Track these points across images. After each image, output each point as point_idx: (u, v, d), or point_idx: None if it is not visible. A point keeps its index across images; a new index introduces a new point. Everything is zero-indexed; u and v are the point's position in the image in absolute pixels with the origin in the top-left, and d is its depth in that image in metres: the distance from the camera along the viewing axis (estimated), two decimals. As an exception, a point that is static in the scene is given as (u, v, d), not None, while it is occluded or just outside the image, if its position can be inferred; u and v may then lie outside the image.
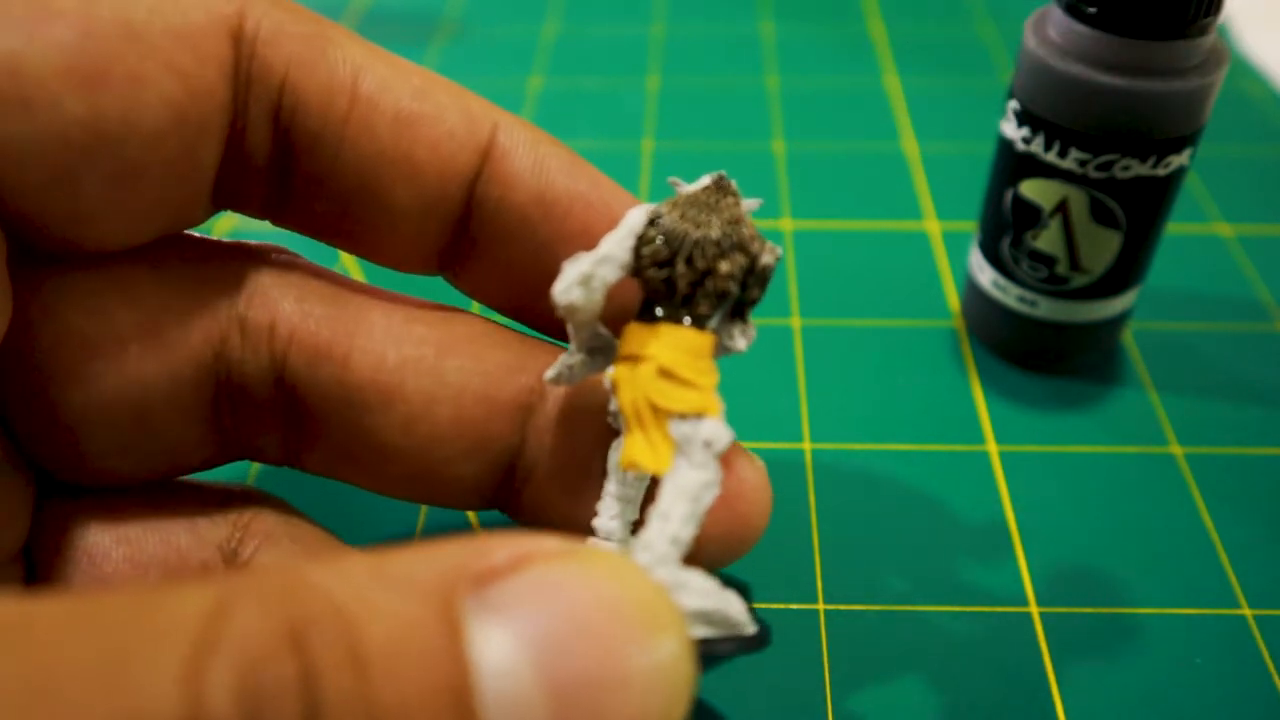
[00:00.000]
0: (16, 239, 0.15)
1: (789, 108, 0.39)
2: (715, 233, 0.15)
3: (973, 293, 0.28)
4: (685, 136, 0.37)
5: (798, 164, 0.36)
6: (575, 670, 0.10)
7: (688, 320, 0.15)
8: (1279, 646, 0.21)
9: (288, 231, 0.18)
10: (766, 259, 0.16)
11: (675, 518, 0.14)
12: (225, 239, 0.18)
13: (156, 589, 0.09)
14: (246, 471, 0.25)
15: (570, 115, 0.38)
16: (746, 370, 0.28)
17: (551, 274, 0.17)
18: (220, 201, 0.17)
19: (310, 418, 0.17)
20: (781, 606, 0.22)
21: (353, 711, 0.09)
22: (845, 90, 0.40)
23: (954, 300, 0.30)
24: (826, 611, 0.22)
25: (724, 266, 0.15)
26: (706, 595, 0.14)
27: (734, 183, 0.16)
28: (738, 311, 0.16)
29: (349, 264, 0.30)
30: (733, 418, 0.26)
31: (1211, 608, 0.22)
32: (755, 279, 0.16)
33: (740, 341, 0.16)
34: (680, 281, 0.15)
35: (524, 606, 0.10)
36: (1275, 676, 0.20)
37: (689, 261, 0.15)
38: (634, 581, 0.11)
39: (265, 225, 0.18)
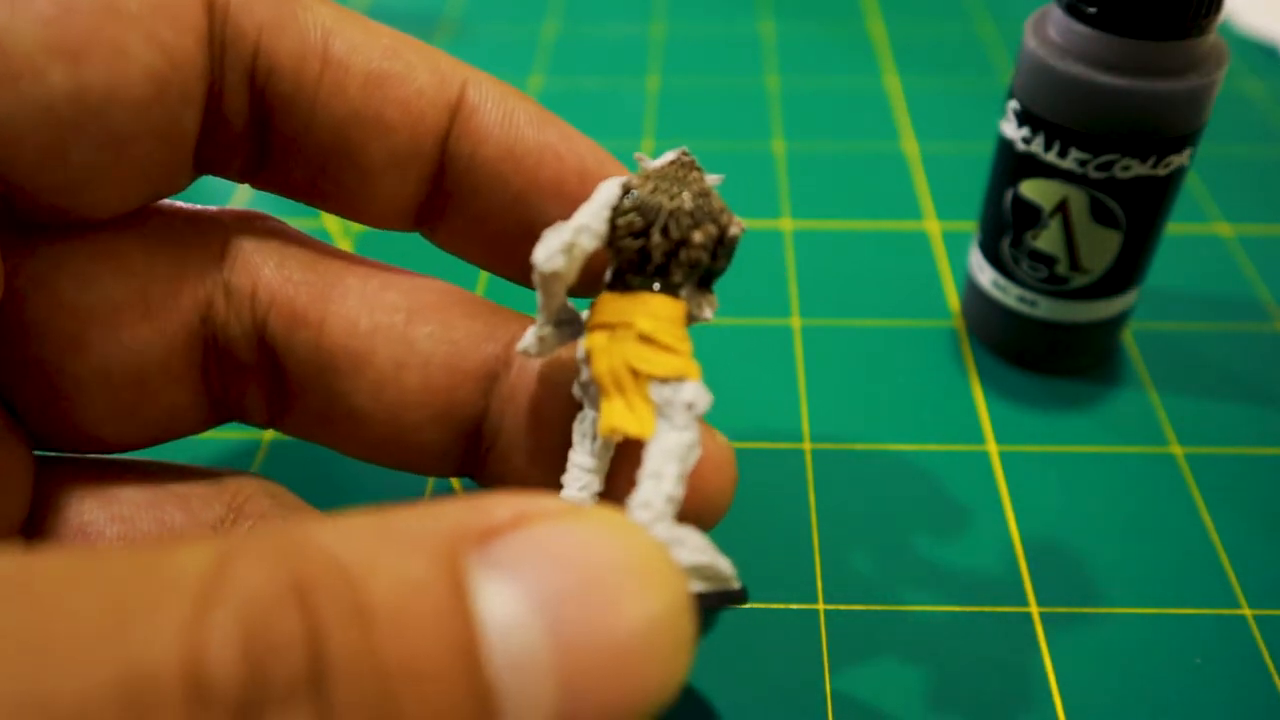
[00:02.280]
0: (7, 210, 0.15)
1: (789, 108, 0.39)
2: (688, 204, 0.16)
3: (973, 293, 0.28)
4: (685, 136, 0.37)
5: (798, 164, 0.36)
6: (581, 623, 0.10)
7: (658, 288, 0.16)
8: (1279, 646, 0.21)
9: (270, 198, 0.18)
10: (734, 230, 0.16)
11: (668, 477, 0.14)
12: (209, 207, 0.18)
13: (157, 546, 0.09)
14: (254, 455, 0.25)
15: (570, 115, 0.38)
16: (747, 370, 0.28)
17: (524, 226, 0.17)
18: (201, 166, 0.17)
19: (289, 380, 0.18)
20: (781, 606, 0.22)
21: (359, 666, 0.09)
22: (845, 90, 0.40)
23: (954, 300, 0.30)
24: (826, 611, 0.22)
25: (697, 236, 0.16)
26: (701, 551, 0.14)
27: (696, 159, 0.17)
28: (704, 282, 0.17)
29: (334, 233, 0.30)
30: (733, 418, 0.26)
31: (1211, 608, 0.22)
32: (723, 250, 0.16)
33: (707, 311, 0.17)
34: (655, 251, 0.16)
35: (528, 563, 0.10)
36: (1275, 676, 0.20)
37: (664, 232, 0.16)
38: (635, 537, 0.11)
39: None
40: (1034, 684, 0.20)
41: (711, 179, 0.17)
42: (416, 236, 0.32)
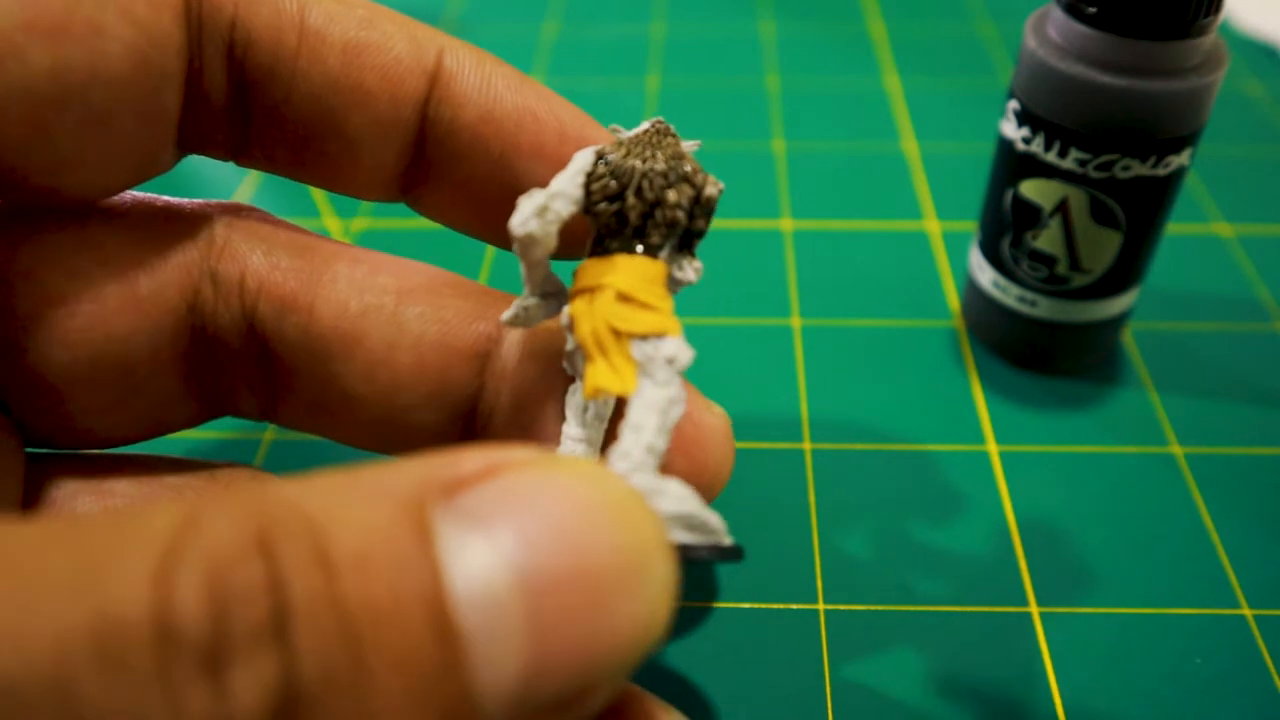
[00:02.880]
0: None
1: (789, 108, 0.39)
2: (661, 165, 0.16)
3: (973, 293, 0.28)
4: (685, 136, 0.37)
5: (798, 164, 0.36)
6: (551, 571, 0.10)
7: (640, 250, 0.16)
8: (1279, 646, 0.21)
9: (267, 198, 0.18)
10: (710, 190, 0.16)
11: (648, 429, 0.14)
12: (196, 200, 0.18)
13: (127, 511, 0.10)
14: (253, 456, 0.25)
15: (570, 115, 0.38)
16: (746, 370, 0.28)
17: (506, 189, 0.17)
18: (185, 145, 0.17)
19: (281, 368, 0.18)
20: (781, 606, 0.22)
21: (322, 613, 0.09)
22: (845, 90, 0.40)
23: (954, 300, 0.30)
24: (826, 611, 0.22)
25: (672, 196, 0.16)
26: (683, 501, 0.14)
27: (672, 126, 0.17)
28: (685, 244, 0.17)
29: (335, 233, 0.30)
30: (733, 418, 0.26)
31: (1211, 608, 0.22)
32: (701, 209, 0.16)
33: (689, 273, 0.17)
34: (631, 213, 0.16)
35: (497, 512, 0.10)
36: (1275, 676, 0.20)
37: (638, 193, 0.16)
38: (609, 485, 0.11)
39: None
40: (1034, 683, 0.20)
41: (688, 145, 0.17)
42: (415, 236, 0.32)
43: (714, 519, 0.14)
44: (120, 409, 0.17)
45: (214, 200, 0.18)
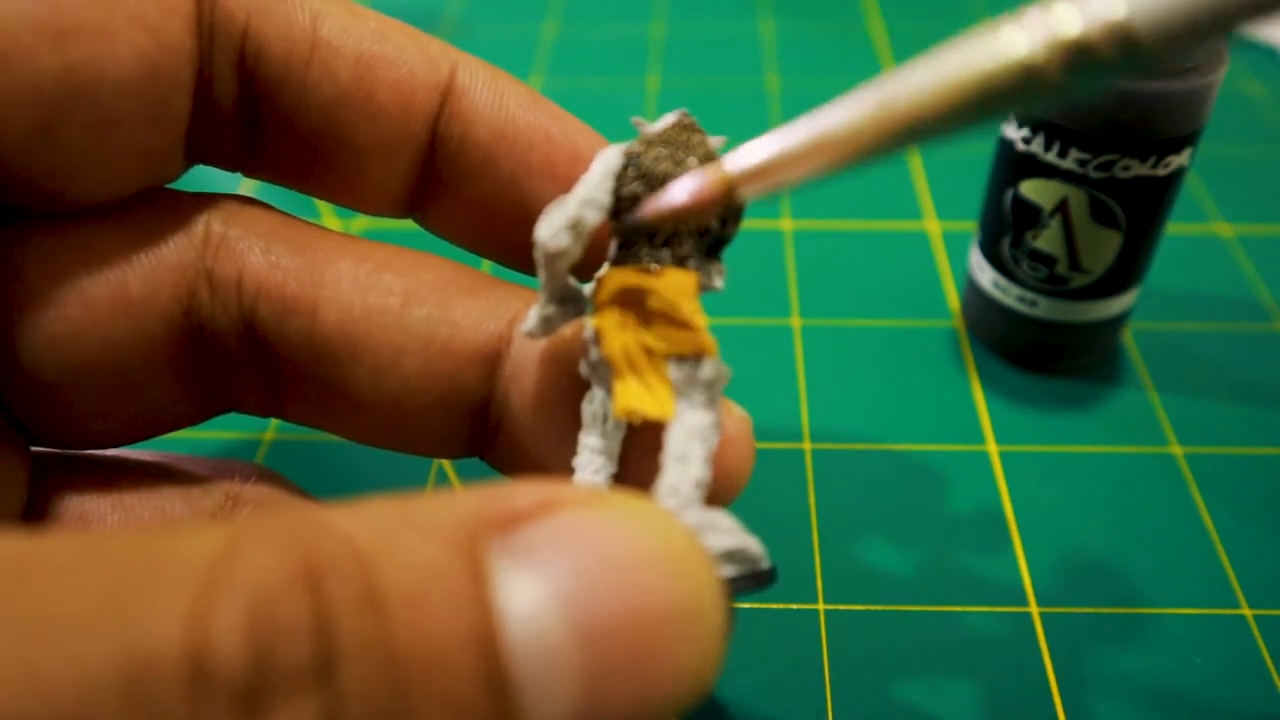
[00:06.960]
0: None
1: (789, 108, 0.39)
2: (695, 170, 0.15)
3: (973, 293, 0.28)
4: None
5: (798, 164, 0.36)
6: (608, 617, 0.10)
7: (670, 260, 0.15)
8: (1279, 646, 0.21)
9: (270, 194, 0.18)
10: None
11: (694, 459, 0.14)
12: (191, 192, 0.18)
13: (163, 529, 0.09)
14: (255, 452, 0.25)
15: (570, 115, 0.38)
16: (747, 370, 0.28)
17: (517, 209, 0.17)
18: (193, 154, 0.17)
19: (284, 370, 0.17)
20: (781, 606, 0.22)
21: (370, 654, 0.09)
22: (845, 90, 0.40)
23: (954, 300, 0.30)
24: (826, 611, 0.22)
25: None
26: (732, 533, 0.14)
27: (696, 120, 0.16)
28: (712, 250, 0.16)
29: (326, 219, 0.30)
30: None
31: (1211, 608, 0.22)
32: (733, 215, 0.16)
33: (717, 280, 0.16)
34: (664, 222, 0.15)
35: (552, 552, 0.10)
36: (1275, 676, 0.20)
37: None
38: (664, 527, 0.11)
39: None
40: (1034, 684, 0.20)
41: (715, 141, 0.16)
42: (416, 237, 0.32)
43: (755, 546, 0.14)
44: (117, 411, 0.17)
45: (209, 192, 0.18)
